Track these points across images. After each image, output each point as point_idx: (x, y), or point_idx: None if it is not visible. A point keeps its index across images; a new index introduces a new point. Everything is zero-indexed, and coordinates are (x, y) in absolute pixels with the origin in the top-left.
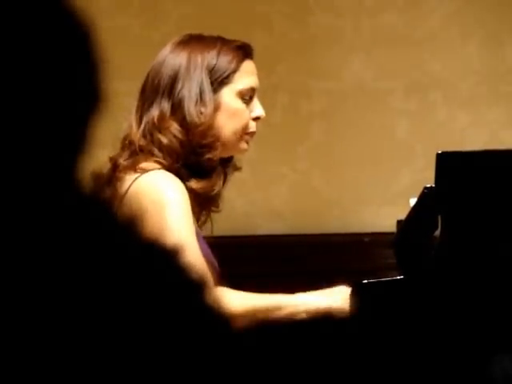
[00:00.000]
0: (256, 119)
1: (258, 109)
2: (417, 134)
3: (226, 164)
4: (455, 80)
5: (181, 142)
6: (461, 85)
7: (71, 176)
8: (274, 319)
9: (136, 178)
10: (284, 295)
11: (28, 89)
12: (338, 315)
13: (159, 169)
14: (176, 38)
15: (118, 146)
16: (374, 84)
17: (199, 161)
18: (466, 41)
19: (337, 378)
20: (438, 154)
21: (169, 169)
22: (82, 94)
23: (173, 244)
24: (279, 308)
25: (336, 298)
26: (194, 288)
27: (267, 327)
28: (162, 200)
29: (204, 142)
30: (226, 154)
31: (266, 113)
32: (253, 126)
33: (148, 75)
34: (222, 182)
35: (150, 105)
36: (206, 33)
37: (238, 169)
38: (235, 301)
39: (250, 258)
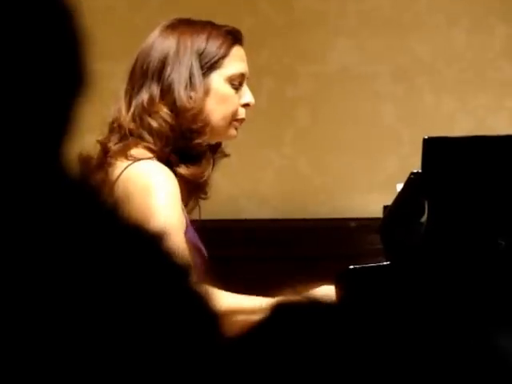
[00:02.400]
0: (245, 106)
1: (247, 95)
2: (404, 120)
3: (215, 150)
4: (442, 65)
5: (171, 126)
6: (448, 70)
7: (56, 160)
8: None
9: (127, 166)
10: (271, 299)
11: (8, 71)
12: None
13: (150, 158)
14: (165, 22)
15: (105, 129)
16: (360, 68)
17: (188, 146)
18: (453, 25)
19: (323, 366)
20: (424, 140)
21: (159, 155)
22: (65, 75)
23: (157, 229)
24: (264, 310)
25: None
26: (179, 273)
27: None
28: (149, 187)
29: (194, 126)
30: (214, 140)
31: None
32: (242, 113)
33: (137, 59)
34: (211, 169)
35: (140, 89)
36: (192, 15)
37: (226, 155)
38: (222, 299)
39: (236, 242)
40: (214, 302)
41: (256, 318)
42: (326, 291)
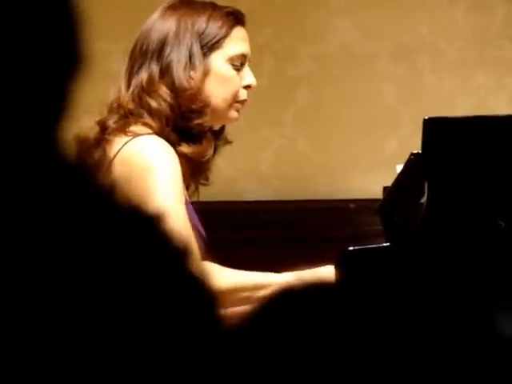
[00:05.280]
0: (247, 87)
1: (248, 77)
2: (404, 100)
3: (217, 136)
4: (443, 44)
5: (170, 106)
6: (448, 49)
7: (53, 142)
8: (259, 297)
9: (126, 142)
10: (271, 274)
11: (3, 53)
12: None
13: (150, 134)
14: (166, 3)
15: (104, 110)
16: (361, 48)
17: (188, 126)
18: (454, 4)
19: (322, 348)
20: (425, 120)
21: (159, 133)
22: (62, 55)
23: (155, 210)
24: (265, 286)
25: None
26: (177, 255)
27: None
28: (149, 165)
29: (193, 106)
30: (216, 122)
31: None
32: (243, 94)
33: (137, 39)
34: (212, 151)
35: (139, 68)
36: None
37: (228, 142)
38: (223, 277)
39: (236, 224)
40: (214, 284)
41: (258, 294)
42: (330, 271)
